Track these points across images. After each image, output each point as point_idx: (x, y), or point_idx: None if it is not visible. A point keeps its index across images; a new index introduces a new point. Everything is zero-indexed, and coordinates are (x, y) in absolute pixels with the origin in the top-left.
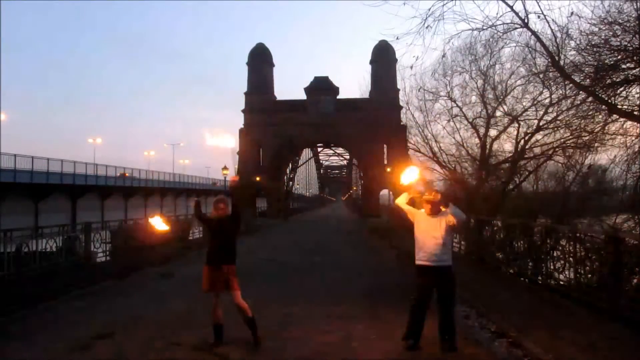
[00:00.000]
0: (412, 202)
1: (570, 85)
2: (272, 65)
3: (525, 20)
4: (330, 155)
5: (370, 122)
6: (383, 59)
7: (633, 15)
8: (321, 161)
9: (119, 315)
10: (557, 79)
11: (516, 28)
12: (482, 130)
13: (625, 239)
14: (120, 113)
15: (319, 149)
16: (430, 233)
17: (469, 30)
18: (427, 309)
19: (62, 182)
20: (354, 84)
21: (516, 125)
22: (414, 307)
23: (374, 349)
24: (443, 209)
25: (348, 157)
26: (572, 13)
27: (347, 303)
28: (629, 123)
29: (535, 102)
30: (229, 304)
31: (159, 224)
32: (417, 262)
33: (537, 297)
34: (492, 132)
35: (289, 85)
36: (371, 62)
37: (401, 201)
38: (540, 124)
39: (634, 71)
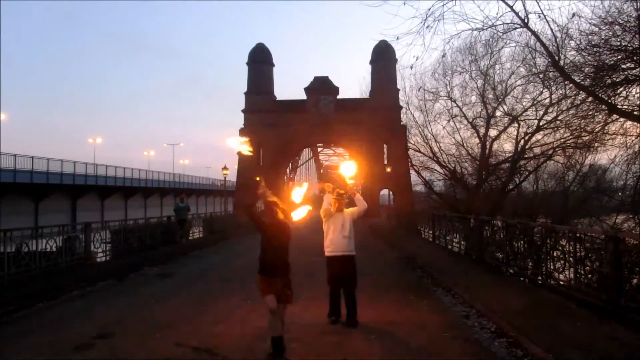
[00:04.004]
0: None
1: (570, 85)
2: (272, 65)
3: (525, 20)
4: (330, 155)
5: (370, 122)
6: (383, 59)
7: (633, 15)
8: (321, 161)
9: (119, 315)
10: (557, 79)
11: (516, 28)
12: (482, 130)
13: (625, 238)
14: (120, 113)
15: (319, 149)
16: (338, 228)
17: (469, 30)
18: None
19: (62, 182)
20: (354, 84)
21: (516, 125)
22: (332, 294)
23: (373, 348)
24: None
25: (348, 157)
26: (573, 14)
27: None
28: (629, 123)
29: (535, 102)
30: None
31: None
32: (329, 254)
33: (537, 297)
34: (492, 132)
35: (289, 85)
36: (371, 62)
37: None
38: (540, 124)
39: (634, 71)
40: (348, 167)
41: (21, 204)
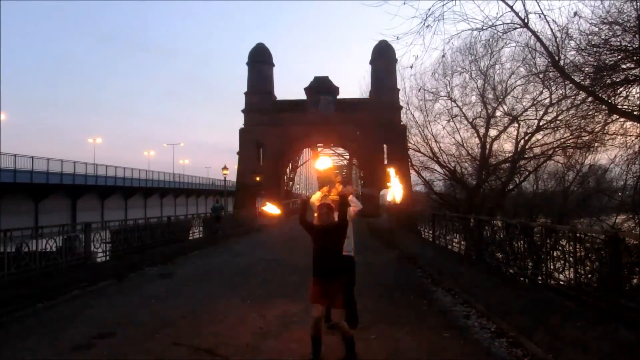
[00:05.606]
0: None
1: (570, 85)
2: (272, 65)
3: (525, 20)
4: (330, 155)
5: (370, 122)
6: (383, 59)
7: (633, 15)
8: None
9: (119, 315)
10: (557, 79)
11: (516, 28)
12: (482, 130)
13: (625, 238)
14: (120, 113)
15: (319, 149)
16: None
17: (469, 30)
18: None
19: (62, 182)
20: (354, 84)
21: (516, 125)
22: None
23: (373, 348)
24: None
25: (348, 157)
26: (575, 13)
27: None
28: (629, 123)
29: (535, 102)
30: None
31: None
32: None
33: (537, 297)
34: (492, 132)
35: (289, 85)
36: (371, 62)
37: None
38: (540, 124)
39: (634, 71)
40: (323, 161)
41: (21, 204)
